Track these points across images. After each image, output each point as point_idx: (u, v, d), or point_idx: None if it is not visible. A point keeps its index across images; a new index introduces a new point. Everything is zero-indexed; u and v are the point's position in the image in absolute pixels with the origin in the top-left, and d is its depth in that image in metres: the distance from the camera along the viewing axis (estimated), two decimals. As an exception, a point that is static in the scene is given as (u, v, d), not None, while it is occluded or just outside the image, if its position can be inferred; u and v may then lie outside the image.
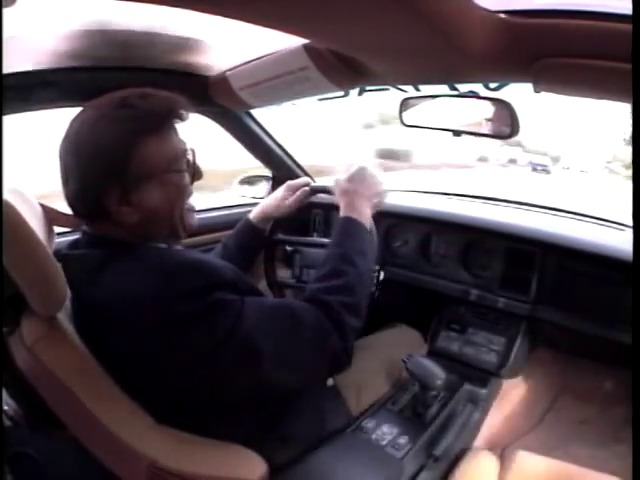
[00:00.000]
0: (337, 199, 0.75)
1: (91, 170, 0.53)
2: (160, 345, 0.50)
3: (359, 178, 0.75)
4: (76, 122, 0.55)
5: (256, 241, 0.92)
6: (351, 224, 0.70)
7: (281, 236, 0.98)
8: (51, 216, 0.66)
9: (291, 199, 0.90)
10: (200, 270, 0.53)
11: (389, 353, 0.92)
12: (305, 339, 0.56)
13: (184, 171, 0.58)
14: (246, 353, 0.51)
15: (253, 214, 0.92)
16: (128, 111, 0.53)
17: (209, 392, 0.53)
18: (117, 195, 0.53)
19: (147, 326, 0.49)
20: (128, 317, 0.50)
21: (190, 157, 0.60)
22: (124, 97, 0.54)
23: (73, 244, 0.60)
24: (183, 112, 0.57)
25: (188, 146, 0.60)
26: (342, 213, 0.72)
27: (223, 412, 0.58)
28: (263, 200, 0.93)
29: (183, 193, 0.59)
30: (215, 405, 0.56)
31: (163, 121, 0.56)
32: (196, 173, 0.61)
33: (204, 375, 0.51)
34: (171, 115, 0.56)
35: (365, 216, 0.71)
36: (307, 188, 0.91)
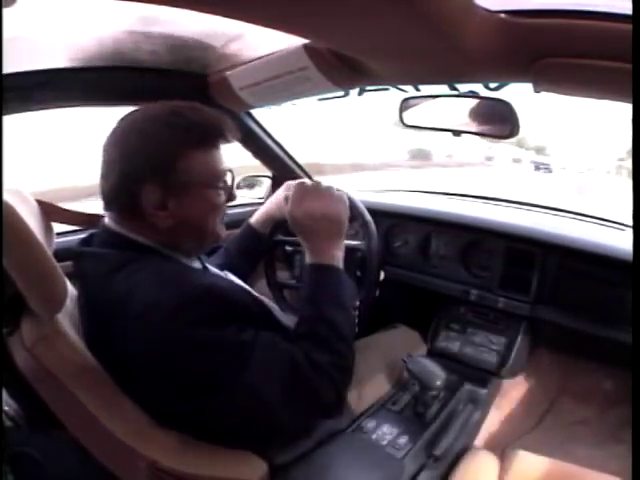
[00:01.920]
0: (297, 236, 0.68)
1: (136, 168, 0.54)
2: (160, 361, 0.49)
3: (310, 206, 0.65)
4: (126, 121, 0.56)
5: (258, 245, 0.92)
6: (320, 273, 0.64)
7: (281, 237, 0.98)
8: (50, 211, 0.66)
9: None
10: (215, 296, 0.52)
11: (388, 353, 0.92)
12: (306, 391, 0.55)
13: (223, 190, 0.60)
14: (246, 399, 0.51)
15: (254, 218, 0.92)
16: (180, 120, 0.55)
17: (205, 419, 0.52)
18: (156, 197, 0.54)
19: (155, 338, 0.48)
20: (138, 322, 0.49)
21: (229, 179, 0.61)
22: (176, 106, 0.56)
23: (85, 241, 0.60)
24: (230, 133, 0.59)
25: (228, 168, 0.61)
26: (307, 259, 0.65)
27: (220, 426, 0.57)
28: (264, 204, 0.93)
29: (218, 210, 0.60)
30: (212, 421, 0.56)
31: (212, 137, 0.57)
32: (231, 195, 0.63)
33: (202, 404, 0.50)
34: (219, 133, 0.58)
35: (332, 255, 0.64)
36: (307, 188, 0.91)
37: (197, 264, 0.65)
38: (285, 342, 0.55)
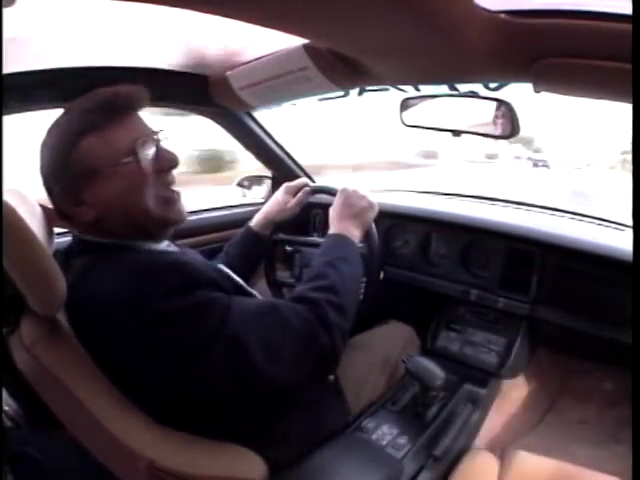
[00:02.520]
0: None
1: (45, 177, 0.56)
2: (144, 344, 0.49)
3: (346, 202, 0.78)
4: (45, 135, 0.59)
5: (258, 248, 0.92)
6: (336, 238, 0.73)
7: (281, 236, 0.98)
8: (49, 216, 0.66)
9: (293, 202, 0.90)
10: (180, 269, 0.53)
11: (383, 349, 0.92)
12: (292, 334, 0.55)
13: (135, 162, 0.55)
14: (234, 351, 0.51)
15: (255, 221, 0.92)
16: (68, 115, 0.56)
17: (200, 391, 0.52)
18: (69, 196, 0.55)
19: (129, 326, 0.49)
20: (111, 318, 0.50)
21: (145, 147, 0.56)
22: (74, 102, 0.57)
23: (67, 250, 0.61)
24: (128, 102, 0.56)
25: (152, 134, 0.58)
26: (330, 232, 0.75)
27: (221, 411, 0.57)
28: (264, 206, 0.93)
29: (140, 184, 0.56)
30: (212, 404, 0.56)
31: (103, 117, 0.55)
32: (162, 160, 0.58)
33: (193, 373, 0.50)
34: (113, 108, 0.55)
35: (352, 234, 0.74)
36: (307, 189, 0.91)
37: (172, 248, 0.66)
38: (262, 300, 0.58)
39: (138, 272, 0.51)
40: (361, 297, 0.86)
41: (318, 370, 0.62)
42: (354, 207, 0.78)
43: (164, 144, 0.60)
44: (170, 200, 0.60)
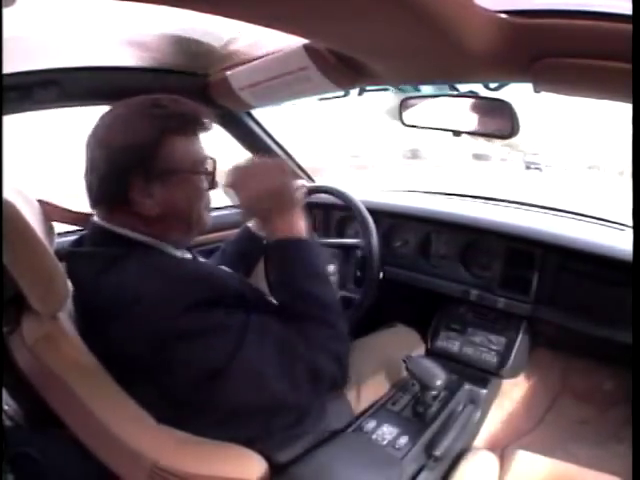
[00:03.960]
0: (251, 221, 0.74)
1: (120, 160, 0.55)
2: (159, 354, 0.49)
3: (251, 189, 0.61)
4: (107, 116, 0.57)
5: (255, 248, 0.92)
6: (283, 250, 0.60)
7: None
8: (50, 211, 0.66)
9: None
10: (206, 281, 0.53)
11: (387, 353, 0.92)
12: (304, 367, 0.54)
13: (205, 176, 0.61)
14: (245, 377, 0.51)
15: (252, 222, 0.92)
16: (160, 110, 0.56)
17: (208, 402, 0.53)
18: (142, 186, 0.55)
19: (147, 332, 0.49)
20: (129, 319, 0.49)
21: (210, 165, 0.62)
22: (156, 98, 0.58)
23: (77, 241, 0.61)
24: (207, 121, 0.60)
25: (209, 155, 0.62)
26: (267, 238, 0.66)
27: (225, 413, 0.58)
28: None
29: (202, 196, 0.61)
30: (217, 407, 0.56)
31: (191, 125, 0.58)
32: (214, 182, 0.63)
33: (202, 391, 0.50)
34: (198, 121, 0.59)
35: (291, 227, 0.60)
36: (304, 189, 0.91)
37: (187, 255, 0.65)
38: (279, 323, 0.55)
39: (167, 276, 0.52)
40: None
41: (328, 391, 0.62)
42: (271, 191, 0.60)
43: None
44: (209, 216, 0.64)
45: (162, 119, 0.56)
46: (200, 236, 0.65)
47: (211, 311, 0.50)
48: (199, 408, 0.54)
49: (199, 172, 0.60)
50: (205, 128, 0.61)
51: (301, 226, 0.62)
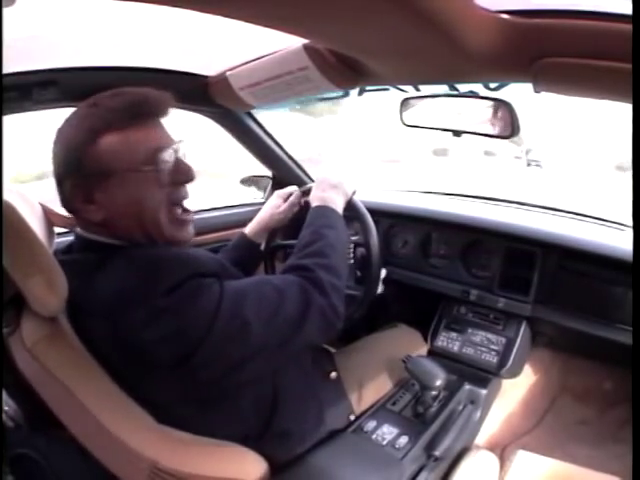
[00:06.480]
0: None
1: (57, 169, 0.55)
2: (149, 339, 0.49)
3: (323, 180, 0.81)
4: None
5: (252, 255, 0.92)
6: (318, 209, 0.74)
7: (279, 242, 0.99)
8: (49, 216, 0.66)
9: (284, 206, 0.91)
10: (182, 263, 0.53)
11: (389, 353, 0.92)
12: (287, 301, 0.55)
13: (154, 171, 0.54)
14: (235, 328, 0.51)
15: (249, 228, 0.92)
16: (91, 110, 0.54)
17: (206, 373, 0.52)
18: (81, 193, 0.54)
19: (134, 323, 0.49)
20: (116, 316, 0.50)
21: (166, 156, 0.55)
22: (96, 97, 0.55)
23: (67, 248, 0.61)
24: (156, 108, 0.56)
25: (173, 144, 0.56)
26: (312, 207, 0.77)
27: (222, 406, 0.57)
28: (257, 214, 0.94)
29: (154, 195, 0.55)
30: (215, 398, 0.56)
31: (127, 119, 0.53)
32: (179, 173, 0.57)
33: (198, 358, 0.50)
34: (140, 111, 0.54)
35: (333, 202, 0.76)
36: (298, 192, 0.92)
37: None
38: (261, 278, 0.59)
39: (142, 268, 0.51)
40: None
41: (324, 332, 0.60)
42: (331, 181, 0.80)
43: (183, 156, 0.58)
44: (184, 222, 0.60)
45: (92, 118, 0.53)
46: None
47: (187, 285, 0.50)
48: (195, 387, 0.53)
49: (141, 170, 0.53)
50: (155, 114, 0.55)
51: (340, 206, 0.77)
